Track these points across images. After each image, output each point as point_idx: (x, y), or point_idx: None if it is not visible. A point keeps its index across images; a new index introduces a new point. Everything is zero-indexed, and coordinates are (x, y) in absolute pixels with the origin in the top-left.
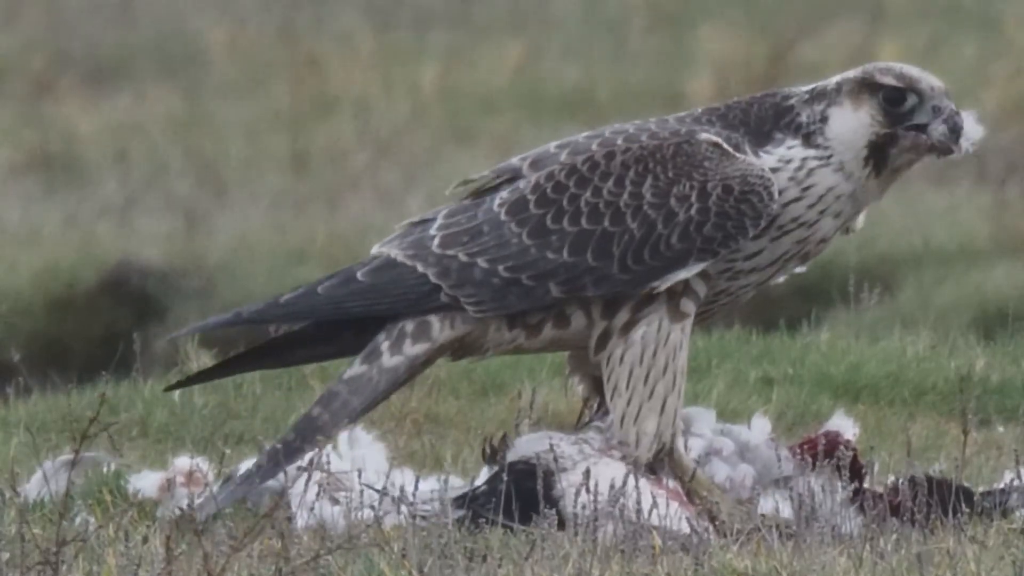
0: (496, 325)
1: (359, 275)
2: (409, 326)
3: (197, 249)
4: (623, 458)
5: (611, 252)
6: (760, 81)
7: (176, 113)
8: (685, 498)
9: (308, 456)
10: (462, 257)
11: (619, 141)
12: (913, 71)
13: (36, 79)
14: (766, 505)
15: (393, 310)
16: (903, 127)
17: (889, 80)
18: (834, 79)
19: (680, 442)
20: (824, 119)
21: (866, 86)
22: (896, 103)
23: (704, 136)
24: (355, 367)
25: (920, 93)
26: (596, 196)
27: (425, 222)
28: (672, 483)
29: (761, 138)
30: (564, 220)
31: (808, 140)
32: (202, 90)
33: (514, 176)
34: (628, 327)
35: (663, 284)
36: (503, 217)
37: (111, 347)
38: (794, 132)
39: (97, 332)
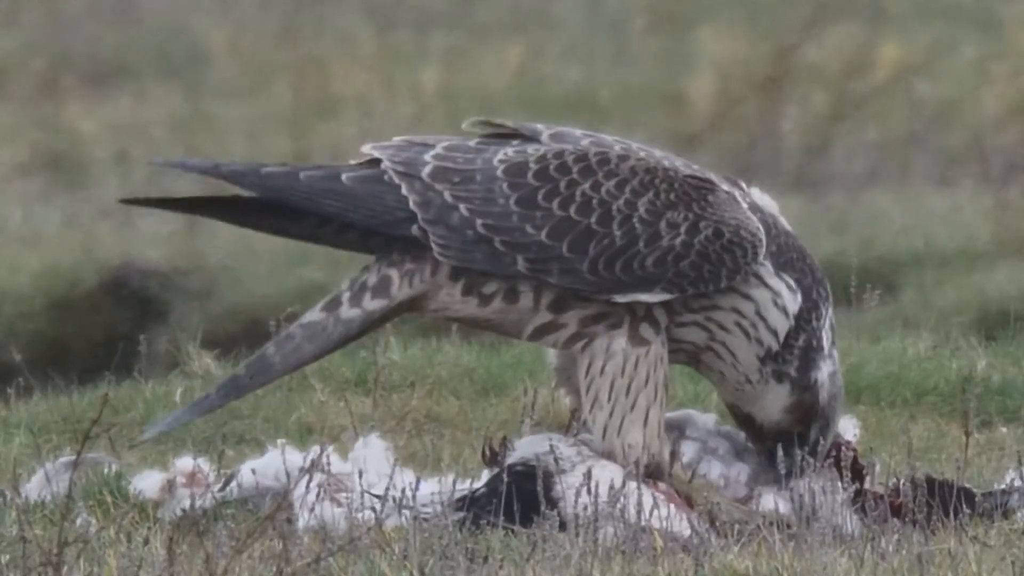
0: (449, 288)
1: (344, 177)
2: (372, 279)
3: (198, 250)
4: None
5: (586, 249)
6: (761, 82)
7: (177, 113)
8: (683, 501)
9: (308, 459)
10: (447, 196)
11: (642, 153)
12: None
13: (37, 80)
14: (766, 503)
15: (365, 223)
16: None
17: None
18: (824, 370)
19: (667, 453)
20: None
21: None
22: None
23: (725, 187)
24: (314, 312)
25: (814, 449)
26: (594, 191)
27: (425, 145)
28: (666, 486)
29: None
30: (555, 201)
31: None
32: (203, 90)
33: (532, 137)
34: (574, 339)
35: (623, 299)
36: (499, 174)
37: (112, 348)
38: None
39: (98, 333)
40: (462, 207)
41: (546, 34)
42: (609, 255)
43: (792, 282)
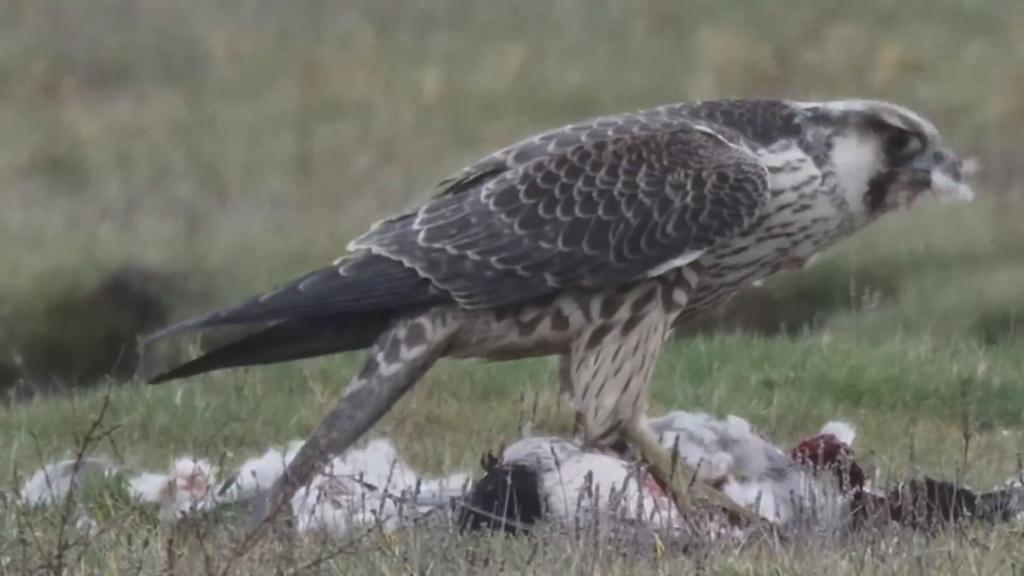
0: (484, 318)
1: (342, 271)
2: (401, 332)
3: (199, 252)
4: (606, 450)
5: (607, 241)
6: (762, 84)
7: (178, 116)
8: (655, 483)
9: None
10: (451, 250)
11: (609, 132)
12: (915, 116)
13: (38, 82)
14: (765, 501)
15: (382, 303)
16: (903, 168)
17: (895, 122)
18: (838, 105)
19: (643, 422)
20: (829, 145)
21: (872, 124)
22: (900, 145)
23: (698, 127)
24: (353, 384)
25: (923, 139)
26: (589, 185)
27: (405, 218)
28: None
29: (766, 139)
30: (557, 210)
31: (816, 161)
32: (204, 93)
33: (497, 169)
34: (630, 325)
35: (657, 271)
36: (492, 208)
37: (113, 350)
38: (801, 146)
39: (99, 335)
40: (470, 253)
41: (547, 36)
42: (630, 237)
43: (779, 146)
